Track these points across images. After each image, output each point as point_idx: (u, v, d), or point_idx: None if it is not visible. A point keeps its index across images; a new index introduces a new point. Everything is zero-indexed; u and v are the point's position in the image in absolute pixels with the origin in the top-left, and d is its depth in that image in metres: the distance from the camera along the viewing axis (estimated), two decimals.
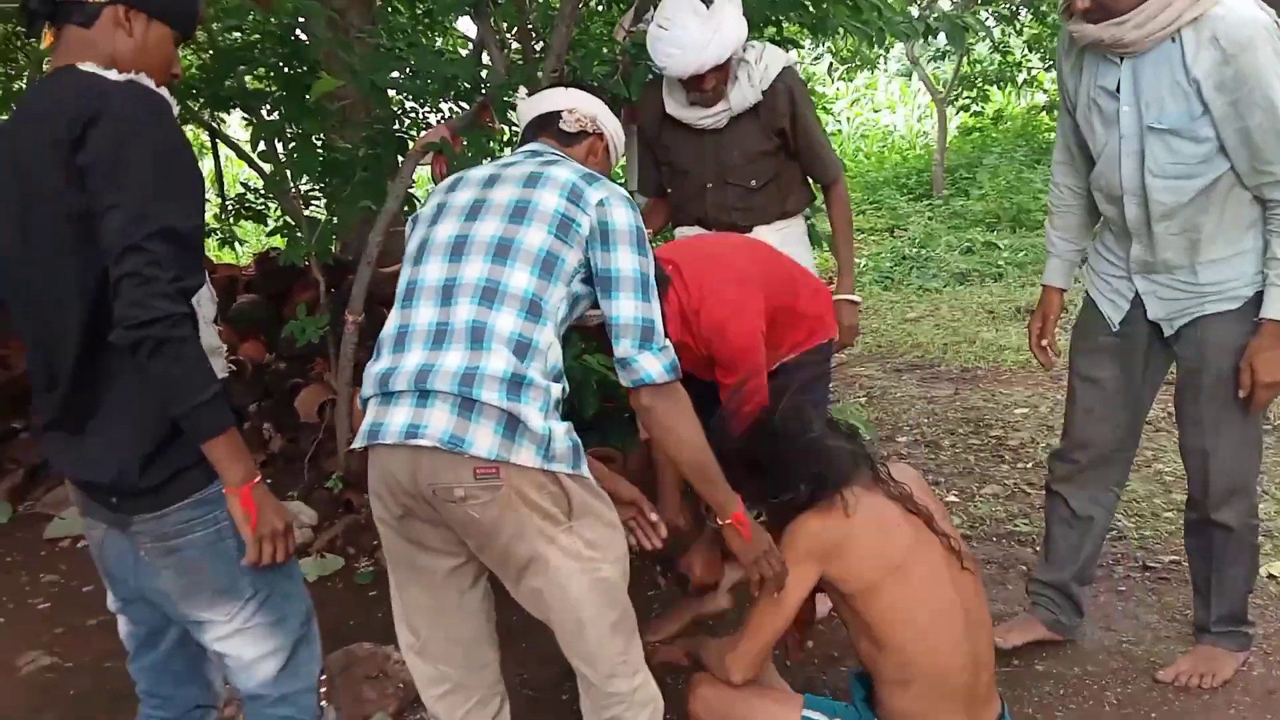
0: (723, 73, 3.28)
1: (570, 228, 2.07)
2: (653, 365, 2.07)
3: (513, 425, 1.95)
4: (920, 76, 11.93)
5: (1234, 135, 2.60)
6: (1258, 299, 2.72)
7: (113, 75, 1.88)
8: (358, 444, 2.06)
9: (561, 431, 2.01)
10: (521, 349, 2.00)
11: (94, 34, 1.91)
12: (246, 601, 2.02)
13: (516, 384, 1.97)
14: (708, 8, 3.17)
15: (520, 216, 2.09)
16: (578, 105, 2.37)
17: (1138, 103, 2.67)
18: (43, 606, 3.93)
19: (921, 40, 6.20)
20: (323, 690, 2.20)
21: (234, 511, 1.92)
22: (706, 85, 3.28)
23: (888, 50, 10.27)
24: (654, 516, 2.46)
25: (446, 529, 2.05)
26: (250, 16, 4.48)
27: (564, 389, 2.07)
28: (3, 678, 3.50)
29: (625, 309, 2.07)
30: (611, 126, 2.44)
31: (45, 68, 2.00)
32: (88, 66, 1.89)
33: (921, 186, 11.60)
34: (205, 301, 1.93)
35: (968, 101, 11.73)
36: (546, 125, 2.37)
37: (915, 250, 9.23)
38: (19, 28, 6.94)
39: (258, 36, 4.67)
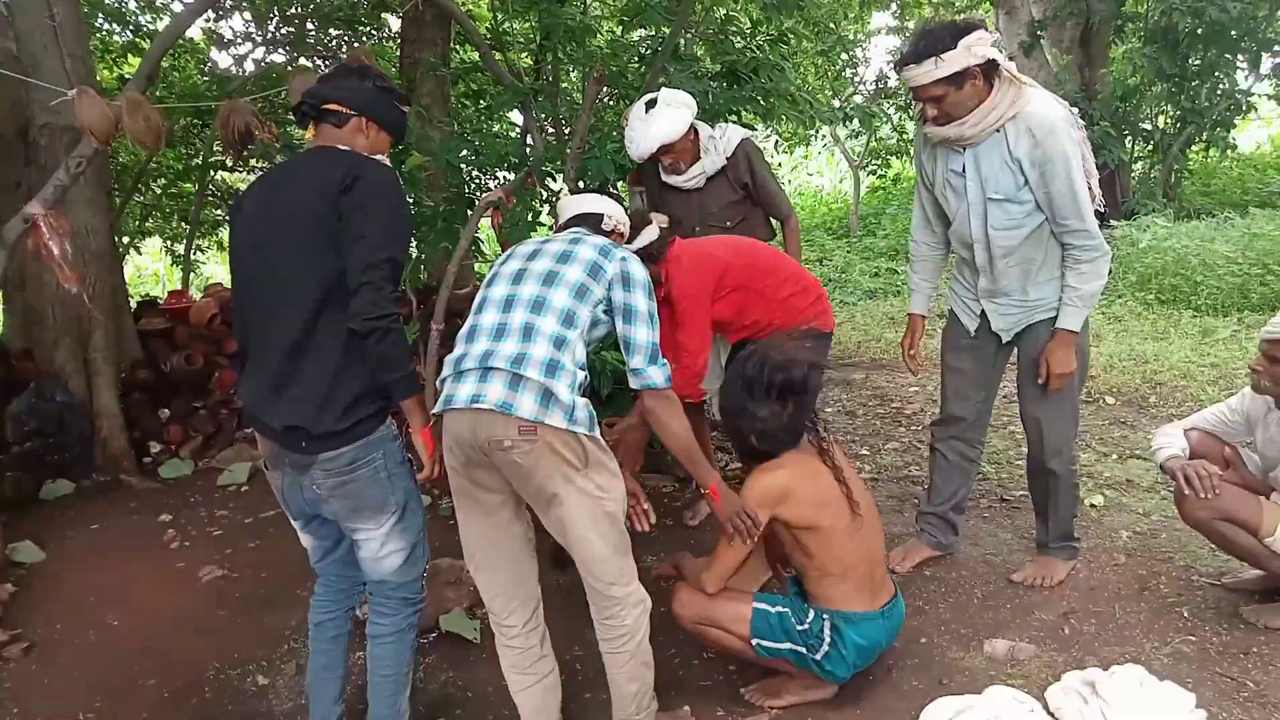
0: (671, 154, 3.36)
1: (599, 272, 2.14)
2: (657, 375, 2.15)
3: (548, 396, 1.97)
4: (840, 150, 11.88)
5: (1043, 198, 2.63)
6: None
7: (366, 155, 2.09)
8: (436, 410, 2.07)
9: (582, 404, 2.04)
10: (559, 343, 2.03)
11: (343, 132, 2.12)
12: (390, 515, 2.10)
13: (553, 367, 2.00)
14: (647, 112, 3.28)
15: (565, 260, 2.15)
16: (613, 213, 2.42)
17: (979, 179, 2.69)
18: (216, 534, 3.93)
19: (842, 124, 6.21)
20: (425, 575, 2.27)
21: (416, 442, 2.09)
22: (665, 161, 3.41)
23: (816, 131, 10.23)
24: (647, 505, 2.44)
25: (496, 473, 2.05)
26: None
27: (586, 377, 2.10)
28: (189, 584, 3.50)
29: (640, 335, 2.14)
30: (627, 222, 2.49)
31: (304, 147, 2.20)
32: (345, 147, 2.09)
33: (842, 229, 11.54)
34: None
35: (875, 167, 11.64)
36: (587, 220, 2.38)
37: (838, 274, 9.18)
38: (199, 122, 6.94)
39: None
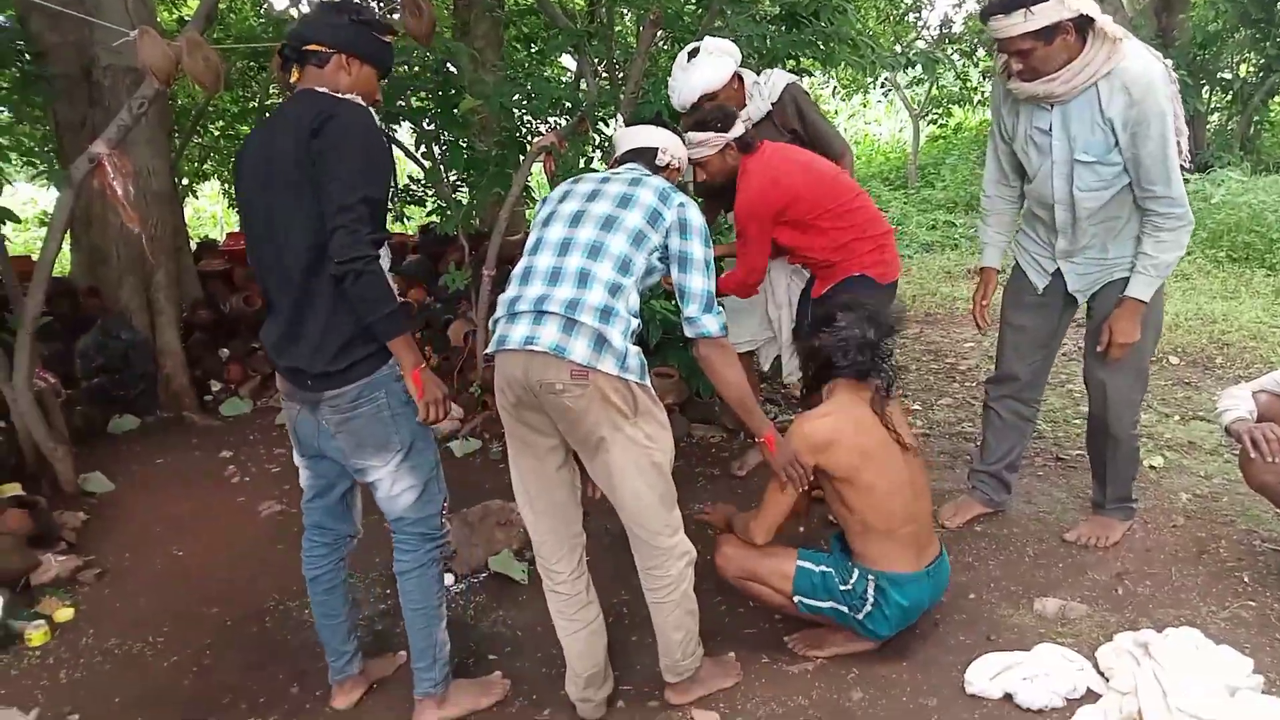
0: (715, 103, 3.21)
1: (657, 219, 2.11)
2: (712, 324, 2.14)
3: (600, 342, 1.97)
4: (900, 98, 11.56)
5: (1130, 159, 2.51)
6: None
7: (337, 95, 2.06)
8: (490, 349, 2.08)
9: (634, 351, 2.03)
10: (614, 290, 2.02)
11: (325, 72, 2.10)
12: (396, 453, 2.14)
13: (607, 313, 1.99)
14: (689, 61, 3.21)
15: (625, 204, 2.13)
16: (669, 146, 2.35)
17: (1067, 138, 2.56)
18: (274, 470, 4.04)
19: (903, 70, 6.03)
20: (445, 513, 2.29)
21: (409, 385, 2.06)
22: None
23: (875, 78, 9.96)
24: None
25: (546, 415, 2.05)
26: (414, 53, 4.45)
27: (639, 324, 2.09)
28: (249, 518, 3.62)
29: (696, 282, 2.12)
30: (683, 155, 2.42)
31: (291, 91, 2.18)
32: (322, 89, 2.08)
33: (899, 180, 11.25)
34: (383, 255, 2.02)
35: (935, 116, 11.32)
36: (642, 155, 2.32)
37: (893, 227, 8.99)
38: (256, 64, 6.99)
39: (419, 69, 4.63)
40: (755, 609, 2.69)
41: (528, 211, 6.45)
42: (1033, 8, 2.35)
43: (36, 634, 2.82)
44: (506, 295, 2.10)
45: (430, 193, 5.89)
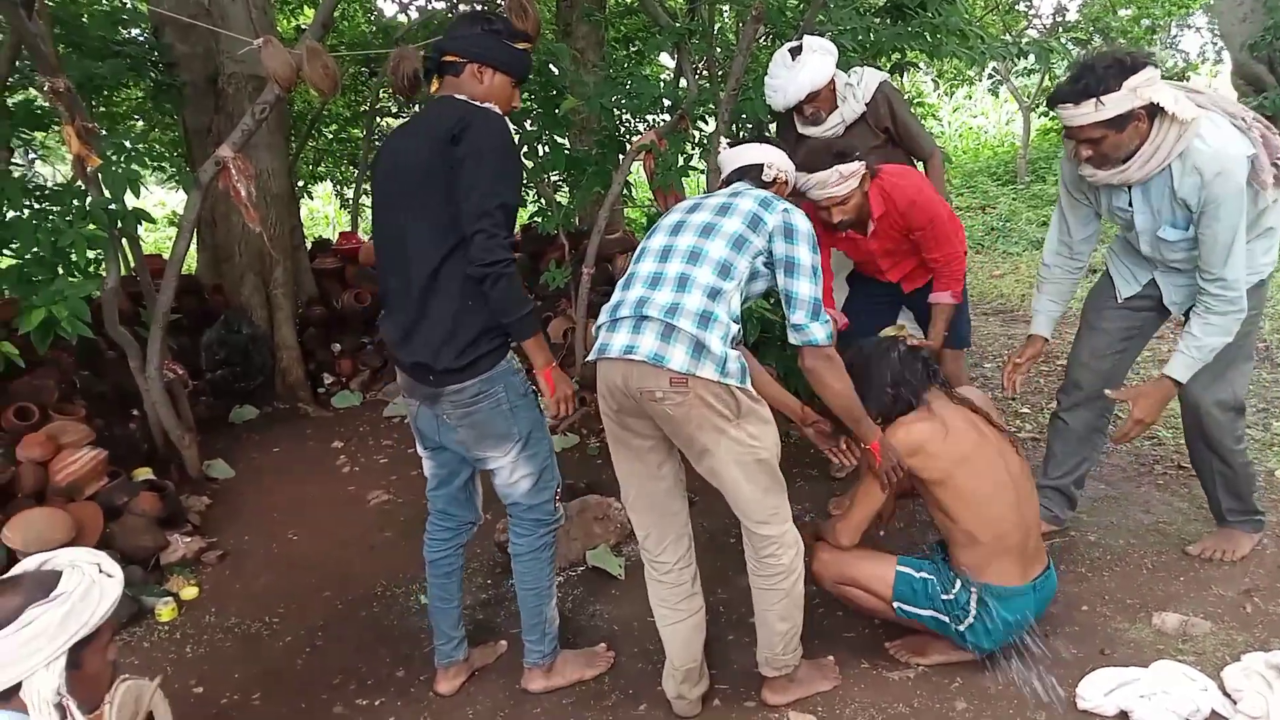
0: (815, 103, 3.25)
1: (759, 224, 2.10)
2: (819, 332, 2.10)
3: (699, 348, 1.96)
4: (1010, 89, 11.13)
5: (1196, 236, 2.39)
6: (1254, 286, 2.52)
7: (474, 103, 2.12)
8: (591, 356, 2.11)
9: (734, 355, 2.01)
10: (713, 294, 2.02)
11: (461, 80, 2.18)
12: (514, 444, 2.22)
13: (706, 318, 1.98)
14: (794, 59, 3.18)
15: (724, 212, 2.14)
16: (775, 161, 2.35)
17: (1149, 210, 2.46)
18: (383, 461, 4.18)
19: (1014, 61, 5.79)
20: (557, 498, 2.37)
21: (540, 384, 2.19)
22: (805, 112, 3.29)
23: (981, 70, 9.60)
24: (845, 444, 2.46)
25: (648, 420, 2.07)
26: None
27: (740, 330, 2.07)
28: (358, 506, 3.77)
29: (803, 289, 2.09)
30: (789, 169, 2.40)
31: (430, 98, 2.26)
32: (460, 96, 2.15)
33: (1008, 174, 10.85)
34: None
35: (1048, 109, 10.86)
36: (748, 173, 2.33)
37: (1001, 223, 8.66)
38: (367, 70, 7.25)
39: None
40: (854, 613, 2.64)
41: (626, 209, 6.49)
42: (1103, 98, 2.25)
43: (165, 610, 3.00)
44: (609, 303, 2.13)
45: (532, 193, 5.99)
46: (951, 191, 9.88)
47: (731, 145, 2.48)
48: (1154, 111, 2.29)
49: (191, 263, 5.97)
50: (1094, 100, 2.26)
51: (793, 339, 2.12)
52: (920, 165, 3.48)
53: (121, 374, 4.14)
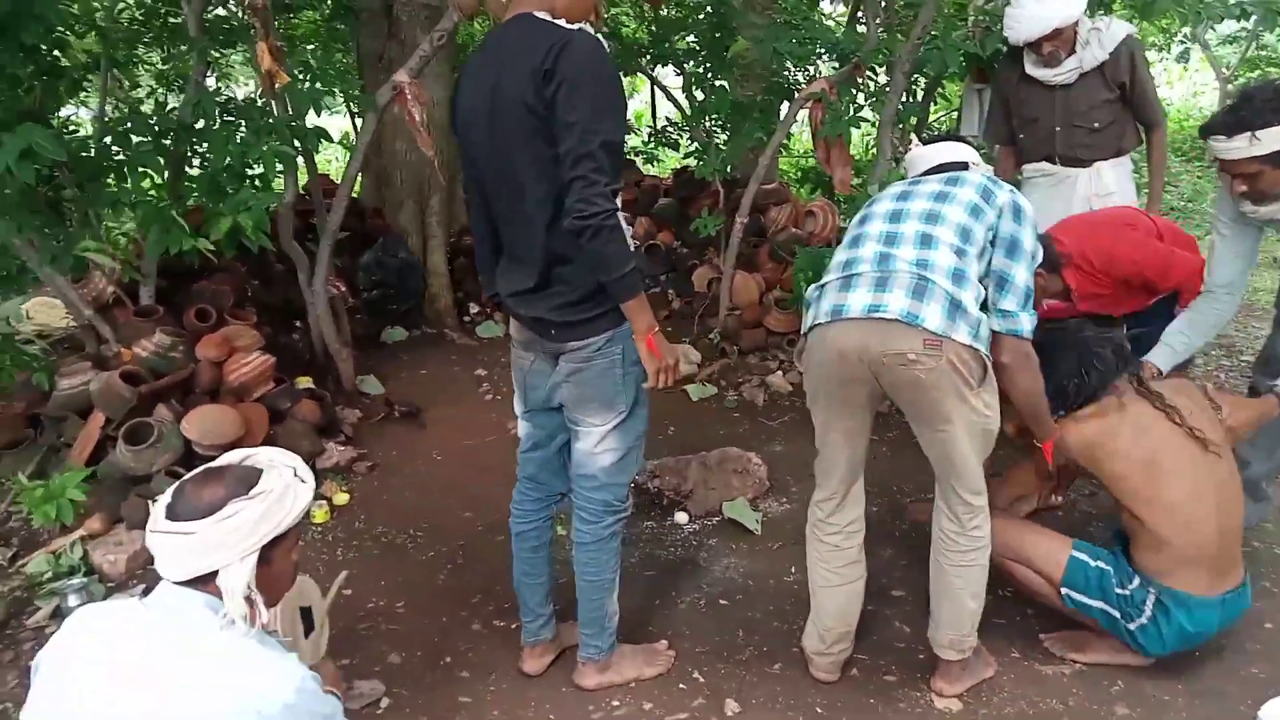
0: (1056, 41, 3.09)
1: (989, 195, 2.01)
2: (1027, 323, 1.98)
3: (955, 308, 1.86)
4: (1208, 58, 10.17)
5: None
6: None
7: (563, 23, 1.83)
8: (820, 320, 1.97)
9: (985, 319, 1.91)
10: (959, 253, 1.92)
11: None
12: (617, 414, 2.04)
13: (959, 276, 1.89)
14: None
15: (953, 183, 2.04)
16: (978, 161, 2.21)
17: None
18: None
19: (1217, 23, 5.26)
20: (632, 487, 2.19)
21: (640, 350, 1.93)
22: (1044, 50, 3.14)
23: (1174, 36, 8.78)
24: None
25: (865, 388, 1.97)
26: None
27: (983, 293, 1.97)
28: (499, 434, 3.81)
29: (1021, 274, 1.98)
30: (987, 171, 2.23)
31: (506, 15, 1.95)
32: (542, 14, 1.85)
33: (1194, 150, 9.97)
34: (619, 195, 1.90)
35: (1249, 81, 9.88)
36: (948, 170, 2.16)
37: (1183, 203, 8.00)
38: None
39: (688, 10, 4.62)
40: (1002, 598, 2.52)
41: (781, 161, 6.32)
42: (1259, 132, 2.06)
43: (319, 512, 3.16)
44: (834, 261, 2.04)
45: (684, 137, 5.91)
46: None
47: (925, 143, 2.33)
48: None
49: (356, 186, 6.18)
50: (1249, 134, 2.08)
51: (998, 324, 1.96)
52: (1143, 133, 3.33)
53: (287, 287, 4.36)
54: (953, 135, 2.30)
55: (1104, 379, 2.20)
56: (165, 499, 1.40)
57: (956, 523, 2.05)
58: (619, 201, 1.86)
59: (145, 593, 1.39)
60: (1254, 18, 4.12)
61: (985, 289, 1.97)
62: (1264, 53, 9.46)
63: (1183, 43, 9.75)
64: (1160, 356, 2.54)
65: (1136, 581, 2.14)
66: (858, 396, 2.00)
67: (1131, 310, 2.86)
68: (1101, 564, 2.19)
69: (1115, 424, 2.13)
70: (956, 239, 1.91)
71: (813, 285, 2.07)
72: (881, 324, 1.86)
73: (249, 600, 1.35)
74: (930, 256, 1.88)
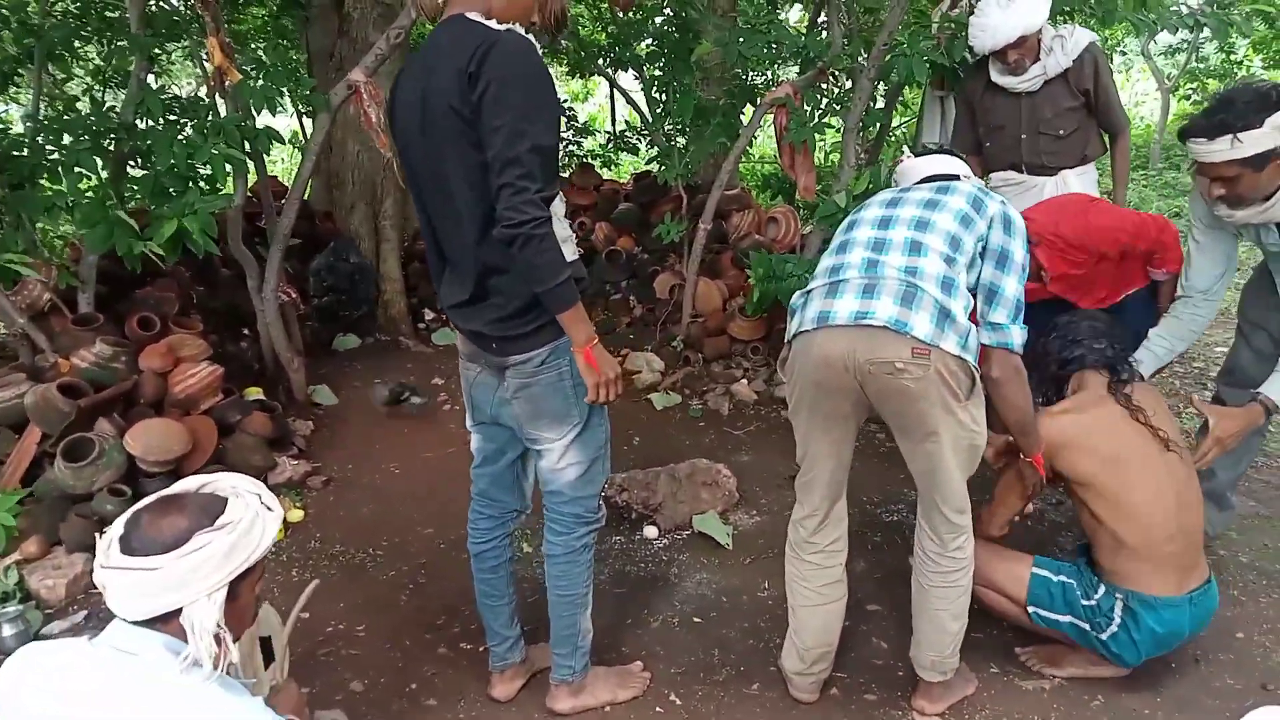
0: (1021, 49, 3.13)
1: (980, 205, 1.97)
2: (1017, 336, 1.94)
3: (944, 316, 1.82)
4: (1151, 69, 10.46)
5: None
6: None
7: (492, 24, 1.75)
8: (805, 327, 1.92)
9: (974, 330, 1.88)
10: (949, 261, 1.88)
11: None
12: (572, 427, 1.97)
13: (948, 284, 1.85)
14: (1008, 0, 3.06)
15: (943, 191, 2.00)
16: (968, 173, 2.16)
17: None
18: None
19: (1172, 34, 5.39)
20: (602, 496, 2.12)
21: (579, 364, 1.87)
22: (1009, 59, 3.17)
23: (1115, 46, 9.02)
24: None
25: (848, 399, 1.93)
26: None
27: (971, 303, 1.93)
28: (458, 445, 3.66)
29: (1010, 286, 1.94)
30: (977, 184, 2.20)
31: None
32: (474, 15, 1.77)
33: (1139, 159, 10.24)
34: (558, 202, 1.82)
35: (1189, 92, 10.20)
36: (939, 180, 2.12)
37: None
38: None
39: (647, 14, 4.57)
40: (980, 614, 2.50)
41: (742, 167, 6.31)
42: (1241, 134, 2.05)
43: None
44: (821, 267, 1.99)
45: (646, 140, 5.86)
46: None
47: (917, 155, 2.29)
48: None
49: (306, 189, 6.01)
50: (1230, 136, 2.07)
51: (987, 338, 1.93)
52: (1106, 140, 3.37)
53: (234, 292, 4.20)
54: (945, 149, 2.26)
55: (1083, 358, 2.23)
56: (117, 531, 1.29)
57: (938, 542, 2.02)
58: (558, 207, 1.81)
59: (88, 619, 1.29)
60: (1205, 29, 4.22)
61: (974, 300, 1.94)
62: (1202, 65, 9.76)
63: (1123, 53, 10.01)
64: (1143, 361, 2.55)
65: (1102, 590, 2.14)
66: (842, 407, 1.96)
67: (1102, 301, 2.82)
68: (1064, 577, 2.19)
69: (1088, 422, 2.14)
70: (946, 247, 1.88)
71: (798, 291, 2.03)
72: (869, 331, 1.83)
73: (218, 639, 1.25)
74: (920, 264, 1.85)
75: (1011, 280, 1.93)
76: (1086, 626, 2.15)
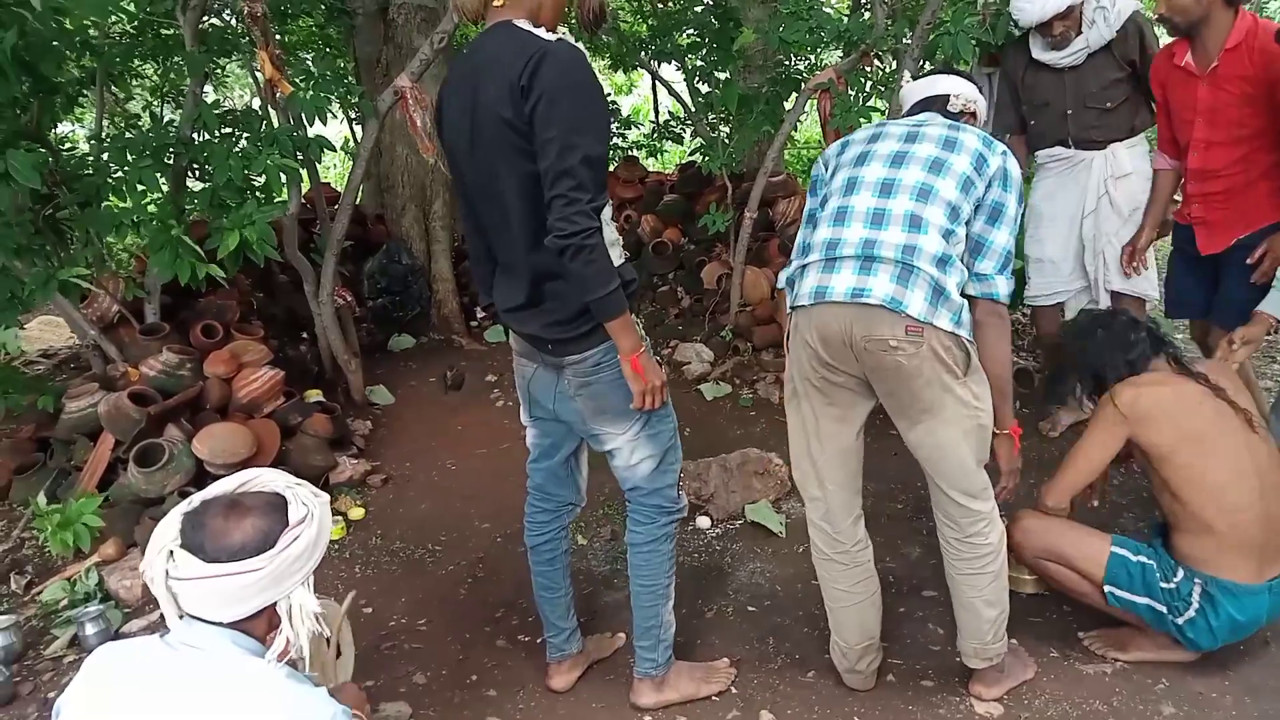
0: (1066, 21, 3.06)
1: (983, 164, 1.93)
2: (1003, 286, 1.95)
3: (938, 294, 1.83)
4: None
5: None
6: None
7: (541, 33, 1.77)
8: (803, 302, 1.94)
9: (967, 306, 1.89)
10: (947, 235, 1.88)
11: None
12: (635, 422, 2.00)
13: (944, 262, 1.85)
14: None
15: (950, 147, 1.95)
16: (963, 91, 2.13)
17: None
18: None
19: None
20: (681, 484, 2.15)
21: (625, 371, 1.90)
22: (1054, 31, 3.09)
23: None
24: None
25: (852, 377, 1.94)
26: None
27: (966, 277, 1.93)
28: (513, 440, 3.73)
29: (1000, 237, 1.94)
30: (980, 102, 2.18)
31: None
32: (522, 24, 1.79)
33: None
34: (605, 220, 1.83)
35: None
36: (933, 104, 2.12)
37: None
38: None
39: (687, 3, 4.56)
40: (1038, 596, 2.48)
41: (786, 153, 6.27)
42: None
43: (334, 529, 3.13)
44: (817, 237, 1.98)
45: (690, 130, 5.86)
46: None
47: (915, 77, 2.29)
48: None
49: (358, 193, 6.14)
50: None
51: (974, 288, 1.94)
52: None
53: (292, 298, 4.33)
54: (942, 67, 2.23)
55: (1135, 362, 2.19)
56: (173, 541, 1.32)
57: (955, 528, 2.01)
58: (608, 215, 1.83)
59: (163, 618, 1.36)
60: None
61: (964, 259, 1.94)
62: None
63: None
64: (1272, 304, 2.44)
65: (1181, 574, 2.10)
66: (844, 380, 1.95)
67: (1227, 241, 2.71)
68: (1143, 558, 2.15)
69: (1169, 394, 2.11)
70: (946, 220, 1.88)
71: (795, 262, 2.01)
72: (865, 309, 1.84)
73: (316, 618, 1.35)
74: (918, 241, 1.85)
75: (1002, 233, 1.93)
76: (1164, 610, 2.11)
